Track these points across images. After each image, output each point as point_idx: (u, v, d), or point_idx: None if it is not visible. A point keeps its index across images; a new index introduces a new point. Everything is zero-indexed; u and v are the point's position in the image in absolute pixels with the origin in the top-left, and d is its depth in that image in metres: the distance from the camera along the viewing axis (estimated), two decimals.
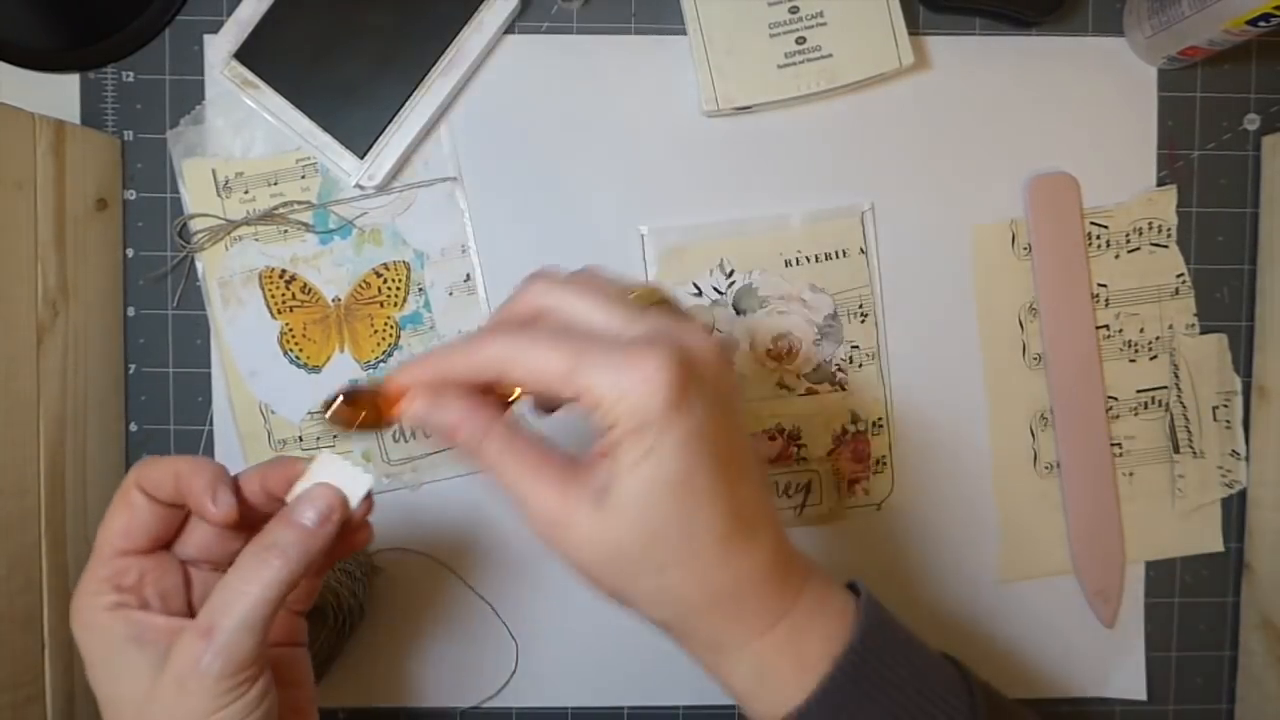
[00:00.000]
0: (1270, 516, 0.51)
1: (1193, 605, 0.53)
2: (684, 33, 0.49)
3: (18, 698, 0.42)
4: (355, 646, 0.51)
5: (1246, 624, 0.52)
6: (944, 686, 0.33)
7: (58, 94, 0.50)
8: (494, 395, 0.32)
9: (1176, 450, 0.52)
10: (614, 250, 0.51)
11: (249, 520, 0.32)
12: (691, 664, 0.32)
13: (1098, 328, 0.52)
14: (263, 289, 0.51)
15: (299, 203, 0.51)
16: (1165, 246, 0.52)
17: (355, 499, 0.32)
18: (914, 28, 0.51)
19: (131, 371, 0.52)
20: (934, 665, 0.33)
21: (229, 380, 0.51)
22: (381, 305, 0.51)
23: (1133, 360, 0.52)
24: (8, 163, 0.42)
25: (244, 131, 0.50)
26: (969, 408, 0.52)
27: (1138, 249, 0.52)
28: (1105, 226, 0.52)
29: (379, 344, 0.51)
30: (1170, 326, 0.52)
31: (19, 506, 0.42)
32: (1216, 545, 0.53)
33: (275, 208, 0.51)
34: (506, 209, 0.51)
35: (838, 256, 0.51)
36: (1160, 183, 0.52)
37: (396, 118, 0.49)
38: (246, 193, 0.51)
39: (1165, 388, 0.52)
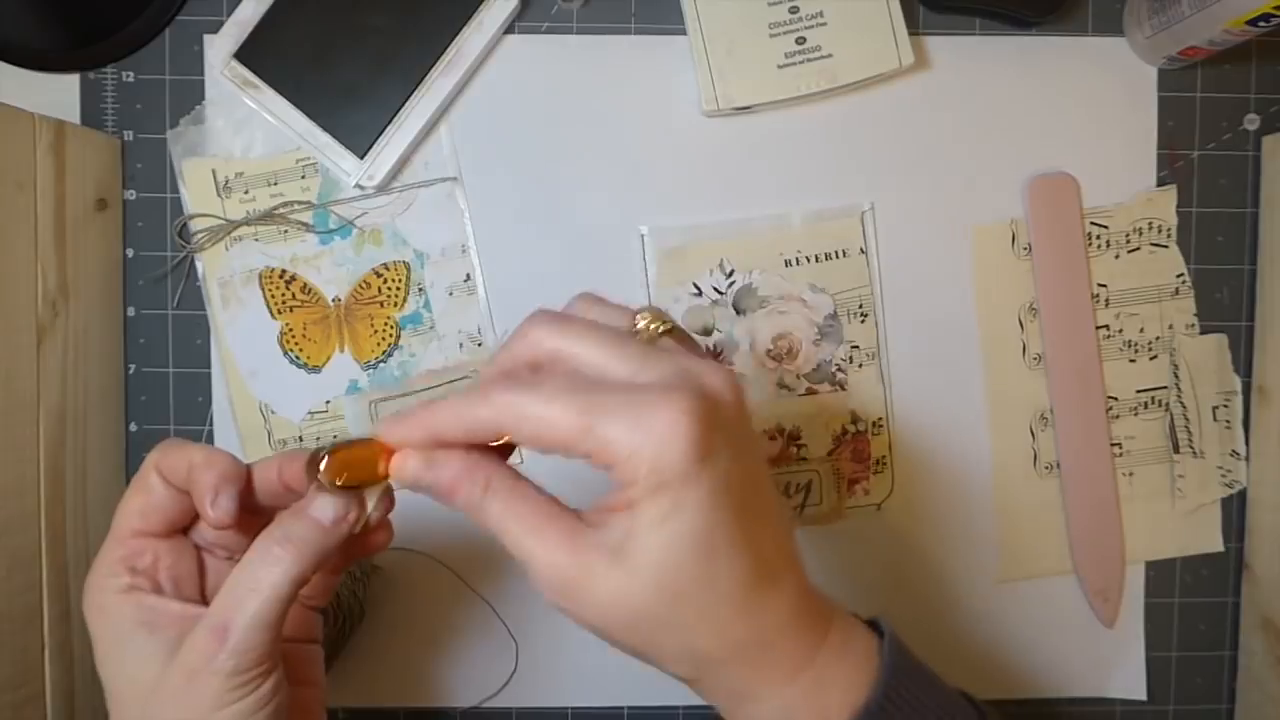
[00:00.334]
0: (1270, 516, 0.51)
1: (1193, 605, 0.53)
2: (684, 33, 0.49)
3: (18, 698, 0.42)
4: (355, 646, 0.51)
5: (1246, 624, 0.52)
6: None
7: (58, 94, 0.50)
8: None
9: (1176, 450, 0.52)
10: (614, 250, 0.51)
11: (262, 511, 0.32)
12: None
13: (1098, 328, 0.52)
14: (263, 289, 0.51)
15: (299, 203, 0.51)
16: (1165, 246, 0.52)
17: (372, 499, 0.31)
18: (914, 28, 0.51)
19: (131, 371, 0.52)
20: (954, 708, 0.32)
21: (229, 380, 0.51)
22: (381, 305, 0.51)
23: (1133, 360, 0.52)
24: (8, 163, 0.42)
25: (244, 131, 0.50)
26: (969, 408, 0.52)
27: (1138, 249, 0.52)
28: (1105, 226, 0.52)
29: (379, 344, 0.51)
30: (1170, 326, 0.52)
31: (19, 506, 0.42)
32: (1216, 545, 0.53)
33: (275, 208, 0.51)
34: (506, 209, 0.51)
35: (838, 256, 0.51)
36: (1160, 183, 0.52)
37: (396, 118, 0.49)
38: (246, 193, 0.51)
39: (1165, 388, 0.52)
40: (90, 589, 0.31)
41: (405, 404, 0.51)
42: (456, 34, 0.49)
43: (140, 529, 0.32)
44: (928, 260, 0.52)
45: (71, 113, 0.50)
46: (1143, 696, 0.53)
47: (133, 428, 0.52)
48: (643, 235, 0.51)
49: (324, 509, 0.30)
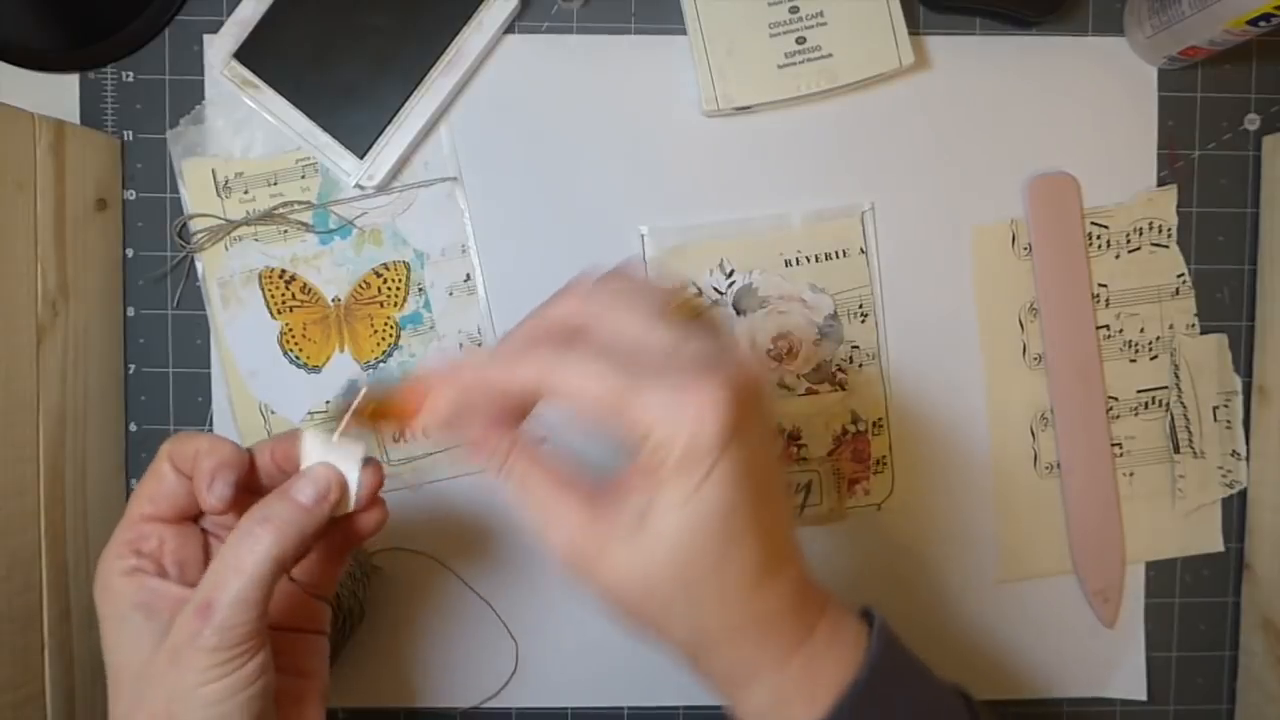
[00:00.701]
0: (1270, 516, 0.51)
1: (1193, 605, 0.53)
2: (684, 33, 0.49)
3: (18, 698, 0.42)
4: (355, 646, 0.51)
5: (1246, 624, 0.52)
6: None
7: (58, 94, 0.50)
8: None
9: (1177, 450, 0.52)
10: (614, 250, 0.51)
11: (262, 493, 0.32)
12: None
13: (1098, 328, 0.52)
14: (262, 289, 0.51)
15: (299, 203, 0.51)
16: (1165, 246, 0.52)
17: (353, 479, 0.32)
18: (914, 28, 0.51)
19: (131, 371, 0.52)
20: (941, 698, 0.33)
21: (229, 380, 0.51)
22: (381, 305, 0.51)
23: (1133, 360, 0.52)
24: (8, 163, 0.42)
25: (244, 131, 0.50)
26: (969, 408, 0.52)
27: (1138, 249, 0.52)
28: (1105, 226, 0.52)
29: (379, 344, 0.51)
30: (1170, 326, 0.52)
31: (19, 506, 0.42)
32: (1216, 545, 0.53)
33: (275, 208, 0.51)
34: (506, 209, 0.51)
35: (838, 256, 0.51)
36: (1160, 183, 0.52)
37: (396, 118, 0.49)
38: (246, 193, 0.51)
39: (1165, 388, 0.52)
40: (99, 570, 0.32)
41: None
42: (456, 34, 0.49)
43: (150, 514, 0.32)
44: (927, 260, 0.52)
45: (71, 113, 0.50)
46: (1143, 697, 0.53)
47: (132, 428, 0.52)
48: (643, 235, 0.51)
49: (303, 489, 0.31)
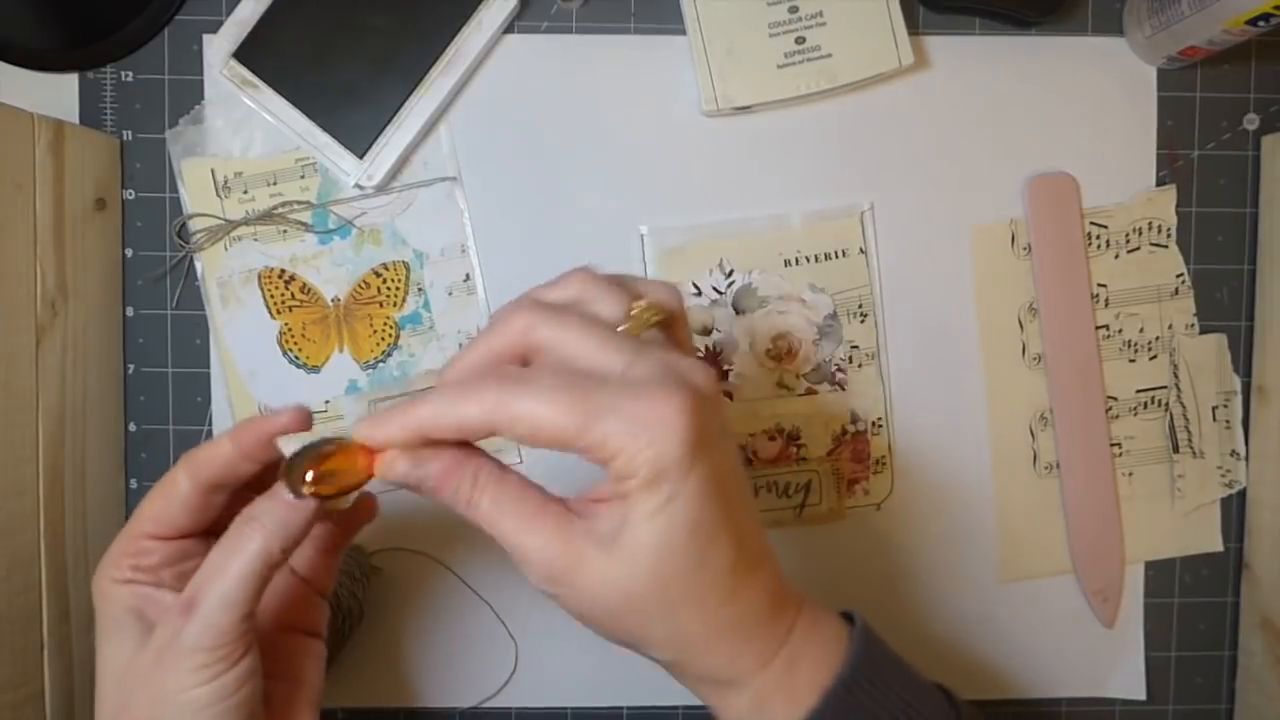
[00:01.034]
0: (1270, 516, 0.51)
1: (1193, 605, 0.53)
2: (684, 33, 0.49)
3: (17, 698, 0.42)
4: (355, 646, 0.51)
5: (1246, 624, 0.52)
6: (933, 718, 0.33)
7: (57, 94, 0.50)
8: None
9: (1176, 450, 0.52)
10: (614, 250, 0.51)
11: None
12: None
13: (1098, 328, 0.52)
14: (262, 289, 0.51)
15: (298, 203, 0.51)
16: (1165, 246, 0.52)
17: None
18: (914, 28, 0.51)
19: (131, 371, 0.51)
20: (924, 696, 0.33)
21: (228, 380, 0.51)
22: (381, 305, 0.51)
23: (1132, 360, 0.52)
24: (7, 163, 0.42)
25: (243, 131, 0.50)
26: (969, 408, 0.52)
27: (1137, 249, 0.52)
28: (1105, 226, 0.52)
29: (378, 344, 0.51)
30: (1170, 326, 0.52)
31: (18, 506, 0.42)
32: (1216, 545, 0.53)
33: (274, 208, 0.50)
34: (506, 209, 0.51)
35: (837, 256, 0.51)
36: (1160, 183, 0.52)
37: (396, 118, 0.49)
38: (245, 193, 0.51)
39: (1165, 388, 0.52)
40: (96, 576, 0.32)
41: None
42: (456, 34, 0.49)
43: (151, 533, 0.32)
44: (927, 260, 0.52)
45: (70, 112, 0.50)
46: (1142, 696, 0.53)
47: (132, 428, 0.52)
48: (642, 235, 0.51)
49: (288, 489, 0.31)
